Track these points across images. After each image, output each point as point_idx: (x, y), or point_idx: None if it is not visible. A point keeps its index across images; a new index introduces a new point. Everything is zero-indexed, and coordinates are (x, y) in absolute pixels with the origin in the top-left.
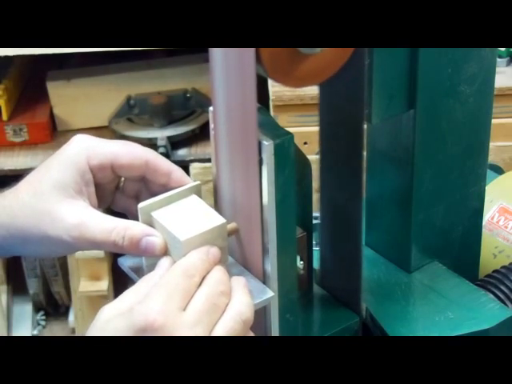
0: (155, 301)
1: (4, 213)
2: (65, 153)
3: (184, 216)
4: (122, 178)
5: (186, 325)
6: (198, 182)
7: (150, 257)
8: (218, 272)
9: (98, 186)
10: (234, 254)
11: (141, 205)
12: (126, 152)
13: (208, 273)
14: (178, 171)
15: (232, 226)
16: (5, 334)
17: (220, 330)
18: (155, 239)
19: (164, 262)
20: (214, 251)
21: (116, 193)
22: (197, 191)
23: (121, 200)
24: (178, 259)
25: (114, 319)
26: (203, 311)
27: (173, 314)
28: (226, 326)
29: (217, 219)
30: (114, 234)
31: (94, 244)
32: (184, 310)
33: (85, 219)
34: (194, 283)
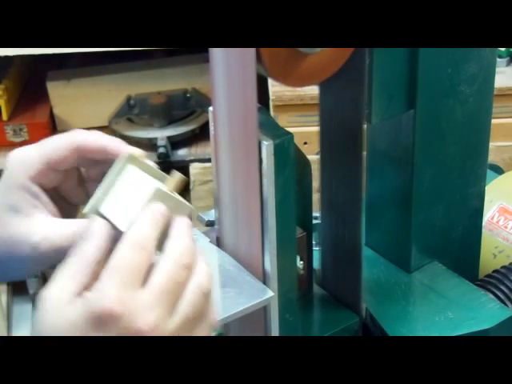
0: (108, 286)
1: None
2: (4, 176)
3: (125, 199)
4: (83, 169)
5: (146, 307)
6: (127, 153)
7: None
8: (179, 242)
9: (56, 190)
10: (234, 253)
11: (84, 210)
12: (53, 149)
13: (169, 239)
14: (111, 143)
15: (175, 179)
16: (5, 334)
17: (182, 309)
18: None
19: (96, 227)
20: (161, 209)
21: (83, 186)
22: (129, 159)
23: (94, 189)
24: None
25: (66, 310)
26: (164, 291)
27: (130, 297)
28: (188, 302)
29: (154, 184)
30: (76, 238)
31: (62, 252)
32: (143, 286)
33: (45, 232)
34: (147, 255)
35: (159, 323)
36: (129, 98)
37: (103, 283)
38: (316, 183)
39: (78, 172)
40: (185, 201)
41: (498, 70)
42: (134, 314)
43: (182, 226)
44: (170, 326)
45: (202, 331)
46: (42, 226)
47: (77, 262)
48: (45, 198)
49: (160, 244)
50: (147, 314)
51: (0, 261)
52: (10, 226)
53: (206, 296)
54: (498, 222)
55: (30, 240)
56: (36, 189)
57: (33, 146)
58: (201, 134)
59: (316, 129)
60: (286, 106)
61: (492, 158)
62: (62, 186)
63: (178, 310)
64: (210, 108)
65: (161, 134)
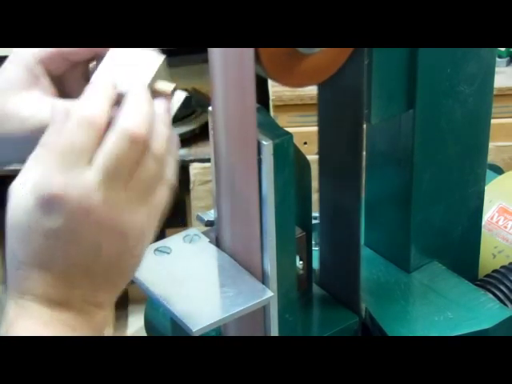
0: (53, 168)
1: None
2: (11, 55)
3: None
4: (90, 66)
5: (90, 187)
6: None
7: None
8: (128, 113)
9: (60, 80)
10: (234, 253)
11: None
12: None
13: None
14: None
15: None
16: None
17: (135, 178)
18: None
19: (59, 109)
20: (111, 84)
21: (88, 81)
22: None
23: None
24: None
25: (25, 198)
26: (109, 166)
27: (73, 179)
28: (143, 170)
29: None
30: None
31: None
32: (90, 164)
33: (36, 109)
34: (95, 131)
35: (107, 201)
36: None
37: (48, 166)
38: (315, 183)
39: (87, 66)
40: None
41: (497, 69)
42: (79, 194)
43: (135, 97)
44: (123, 199)
45: (160, 192)
46: (34, 103)
47: (39, 148)
48: (46, 82)
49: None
50: (93, 193)
51: None
52: (2, 99)
53: (159, 160)
54: (497, 221)
55: (19, 114)
56: (39, 70)
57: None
58: (201, 134)
59: (316, 129)
60: (286, 106)
61: (492, 158)
62: (67, 77)
63: (133, 181)
64: (210, 108)
65: None
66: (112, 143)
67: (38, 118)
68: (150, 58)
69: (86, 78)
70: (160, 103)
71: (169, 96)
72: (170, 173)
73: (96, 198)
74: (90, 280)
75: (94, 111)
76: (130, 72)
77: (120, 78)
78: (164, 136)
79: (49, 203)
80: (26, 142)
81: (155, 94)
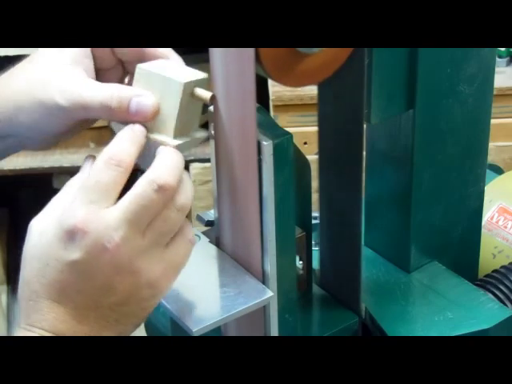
0: (77, 203)
1: None
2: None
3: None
4: (127, 78)
5: (110, 225)
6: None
7: (142, 122)
8: (159, 163)
9: (100, 72)
10: (234, 253)
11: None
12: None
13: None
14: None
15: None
16: (5, 334)
17: (154, 225)
18: (146, 99)
19: (89, 160)
20: (139, 128)
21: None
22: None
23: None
24: (173, 116)
25: (46, 231)
26: (132, 210)
27: (96, 215)
28: (161, 218)
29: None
30: (102, 94)
31: (84, 107)
32: (114, 204)
33: (76, 82)
34: (122, 172)
35: (125, 242)
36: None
37: (73, 201)
38: (315, 183)
39: (123, 72)
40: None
41: (497, 69)
42: (99, 230)
43: (166, 149)
44: (140, 245)
45: (180, 246)
46: (74, 78)
47: (66, 188)
48: (91, 64)
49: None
50: (112, 232)
51: (21, 99)
52: (45, 68)
53: (182, 213)
54: (497, 221)
55: (58, 84)
56: (88, 52)
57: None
58: None
59: (316, 129)
60: (286, 106)
61: (492, 158)
62: (105, 72)
63: (152, 229)
64: (210, 108)
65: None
66: (140, 189)
67: (71, 90)
68: (191, 73)
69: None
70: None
71: (206, 103)
72: (191, 231)
73: (115, 237)
74: (97, 318)
75: (121, 153)
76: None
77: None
78: (190, 191)
79: (70, 234)
80: (51, 109)
81: (194, 99)
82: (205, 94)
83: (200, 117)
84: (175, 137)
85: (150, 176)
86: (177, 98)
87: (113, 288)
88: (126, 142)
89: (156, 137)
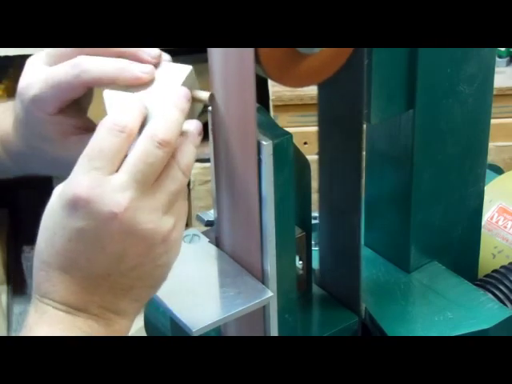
0: (79, 172)
1: None
2: (23, 112)
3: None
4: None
5: (116, 189)
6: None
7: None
8: (158, 120)
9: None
10: (234, 253)
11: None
12: (61, 90)
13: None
14: (116, 71)
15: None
16: (5, 334)
17: (163, 185)
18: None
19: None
20: (140, 103)
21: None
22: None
23: None
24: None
25: (52, 201)
26: (136, 171)
27: (100, 181)
28: (169, 178)
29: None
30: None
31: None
32: (117, 171)
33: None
34: (124, 138)
35: (132, 204)
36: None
37: (76, 170)
38: (315, 183)
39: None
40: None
41: (497, 69)
42: (104, 197)
43: (166, 107)
44: (148, 204)
45: (182, 206)
46: (77, 145)
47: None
48: (69, 121)
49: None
50: (117, 196)
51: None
52: (48, 151)
53: (186, 174)
54: (497, 221)
55: (69, 159)
56: (57, 119)
57: (39, 83)
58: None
59: (316, 129)
60: (286, 106)
61: (492, 158)
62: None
63: (158, 187)
64: (210, 108)
65: None
66: (139, 147)
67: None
68: (177, 70)
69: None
70: (193, 123)
71: (205, 104)
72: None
73: (121, 202)
74: (110, 287)
75: (124, 118)
76: (160, 86)
77: (150, 93)
78: (192, 153)
79: (74, 204)
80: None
81: (193, 101)
82: (203, 95)
83: (198, 117)
84: None
85: (149, 132)
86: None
87: (125, 254)
88: (128, 108)
89: None
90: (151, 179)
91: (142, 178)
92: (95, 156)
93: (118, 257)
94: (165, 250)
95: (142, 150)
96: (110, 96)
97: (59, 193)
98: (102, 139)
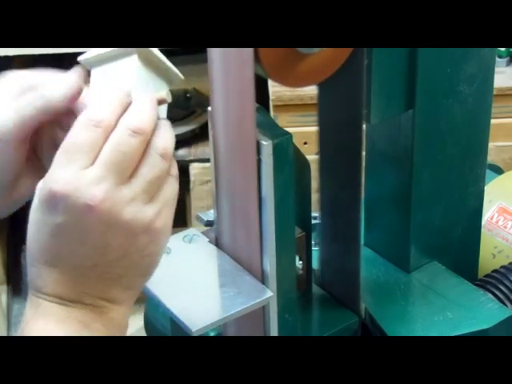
0: (55, 167)
1: None
2: None
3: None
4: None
5: (91, 182)
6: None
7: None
8: (131, 111)
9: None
10: (233, 253)
11: (81, 57)
12: (23, 125)
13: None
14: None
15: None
16: (5, 334)
17: (139, 173)
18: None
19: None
20: (122, 91)
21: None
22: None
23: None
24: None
25: (35, 196)
26: (110, 161)
27: (75, 175)
28: (146, 165)
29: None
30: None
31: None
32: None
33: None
34: (99, 133)
35: (108, 196)
36: None
37: (53, 165)
38: (315, 183)
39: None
40: (171, 67)
41: (497, 69)
42: (79, 190)
43: (138, 99)
44: (126, 194)
45: (167, 193)
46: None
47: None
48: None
49: None
50: (93, 188)
51: None
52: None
53: (166, 158)
54: (497, 221)
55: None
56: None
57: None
58: (201, 134)
59: (316, 129)
60: (286, 106)
61: (492, 158)
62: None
63: (136, 175)
64: (210, 108)
65: None
66: (112, 138)
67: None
68: (127, 61)
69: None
70: (162, 109)
71: (166, 101)
72: (176, 170)
73: (97, 194)
74: (98, 277)
75: (99, 113)
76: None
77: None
78: (168, 135)
79: (51, 200)
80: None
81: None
82: (161, 96)
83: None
84: None
85: (123, 122)
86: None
87: (107, 245)
88: (106, 102)
89: None
90: (127, 169)
91: (117, 168)
92: (71, 151)
93: (100, 248)
94: (149, 239)
95: (116, 141)
96: (96, 77)
97: (38, 189)
98: (77, 134)
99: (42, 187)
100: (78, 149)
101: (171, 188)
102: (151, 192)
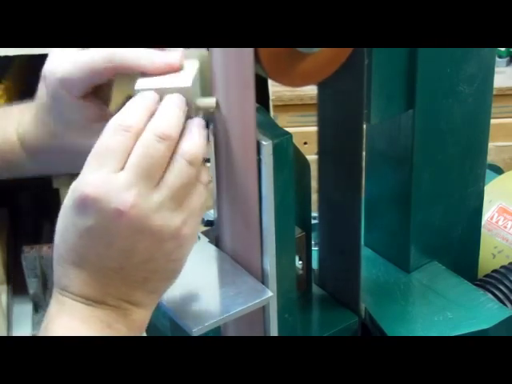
0: (87, 170)
1: None
2: (51, 95)
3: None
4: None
5: (122, 187)
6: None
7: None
8: (159, 115)
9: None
10: (234, 253)
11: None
12: (92, 75)
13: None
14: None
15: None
16: (5, 334)
17: (167, 180)
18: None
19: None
20: (151, 94)
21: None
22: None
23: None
24: None
25: (66, 197)
26: (140, 166)
27: (107, 180)
28: (173, 172)
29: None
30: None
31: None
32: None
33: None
34: (129, 138)
35: (138, 201)
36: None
37: (85, 168)
38: (315, 183)
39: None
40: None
41: (497, 69)
42: (110, 195)
43: (167, 102)
44: (155, 200)
45: (195, 201)
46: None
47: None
48: (95, 107)
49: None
50: (124, 193)
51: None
52: (71, 140)
53: (193, 164)
54: (497, 221)
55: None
56: (84, 103)
57: (68, 65)
58: None
59: (316, 129)
60: (286, 106)
61: (492, 158)
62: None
63: (164, 182)
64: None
65: None
66: (140, 143)
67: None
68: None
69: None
70: (194, 119)
71: (212, 112)
72: (206, 177)
73: (128, 199)
74: (123, 280)
75: (128, 117)
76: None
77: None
78: (197, 141)
79: (82, 202)
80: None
81: (198, 111)
82: (208, 103)
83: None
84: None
85: (150, 127)
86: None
87: (134, 248)
88: (135, 108)
89: None
90: (156, 174)
91: (146, 173)
92: (102, 155)
93: (128, 251)
94: (176, 245)
95: (144, 146)
96: (120, 85)
97: (71, 190)
98: (108, 138)
99: (74, 189)
100: (109, 153)
101: (199, 195)
102: (179, 199)
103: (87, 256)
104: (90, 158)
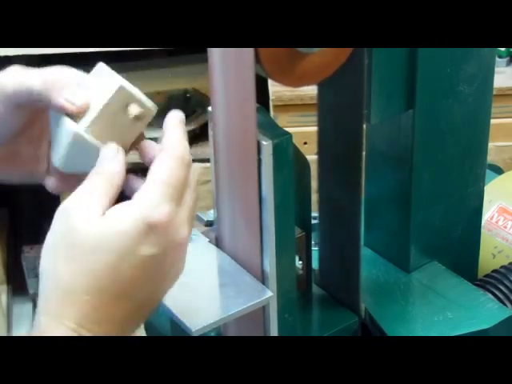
0: (161, 199)
1: None
2: None
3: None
4: None
5: (184, 221)
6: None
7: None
8: (182, 142)
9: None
10: (234, 253)
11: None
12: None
13: (167, 140)
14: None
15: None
16: (5, 334)
17: (188, 199)
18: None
19: (109, 151)
20: (183, 116)
21: None
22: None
23: None
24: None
25: (103, 223)
26: (192, 206)
27: (175, 212)
28: (193, 194)
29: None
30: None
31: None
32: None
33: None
34: (188, 172)
35: (189, 232)
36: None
37: (155, 196)
38: (315, 183)
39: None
40: (145, 98)
41: (497, 69)
42: (176, 228)
43: (174, 126)
44: (189, 228)
45: (189, 200)
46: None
47: (103, 183)
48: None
49: None
50: (185, 227)
51: None
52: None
53: (186, 164)
54: (497, 221)
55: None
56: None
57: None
58: (201, 134)
59: (316, 129)
60: (286, 106)
61: (492, 158)
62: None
63: (186, 202)
64: (210, 108)
65: (161, 134)
66: (192, 182)
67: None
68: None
69: None
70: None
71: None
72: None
73: (186, 233)
74: (144, 315)
75: (184, 151)
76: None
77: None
78: (181, 141)
79: (152, 229)
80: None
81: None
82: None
83: (129, 140)
84: (86, 130)
85: (178, 155)
86: (108, 95)
87: (168, 275)
88: (182, 137)
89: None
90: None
91: (192, 207)
92: (172, 186)
93: (163, 280)
94: (184, 253)
95: (193, 180)
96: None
97: (133, 213)
98: (176, 170)
99: (143, 214)
100: (177, 186)
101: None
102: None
103: (138, 288)
104: (160, 186)
